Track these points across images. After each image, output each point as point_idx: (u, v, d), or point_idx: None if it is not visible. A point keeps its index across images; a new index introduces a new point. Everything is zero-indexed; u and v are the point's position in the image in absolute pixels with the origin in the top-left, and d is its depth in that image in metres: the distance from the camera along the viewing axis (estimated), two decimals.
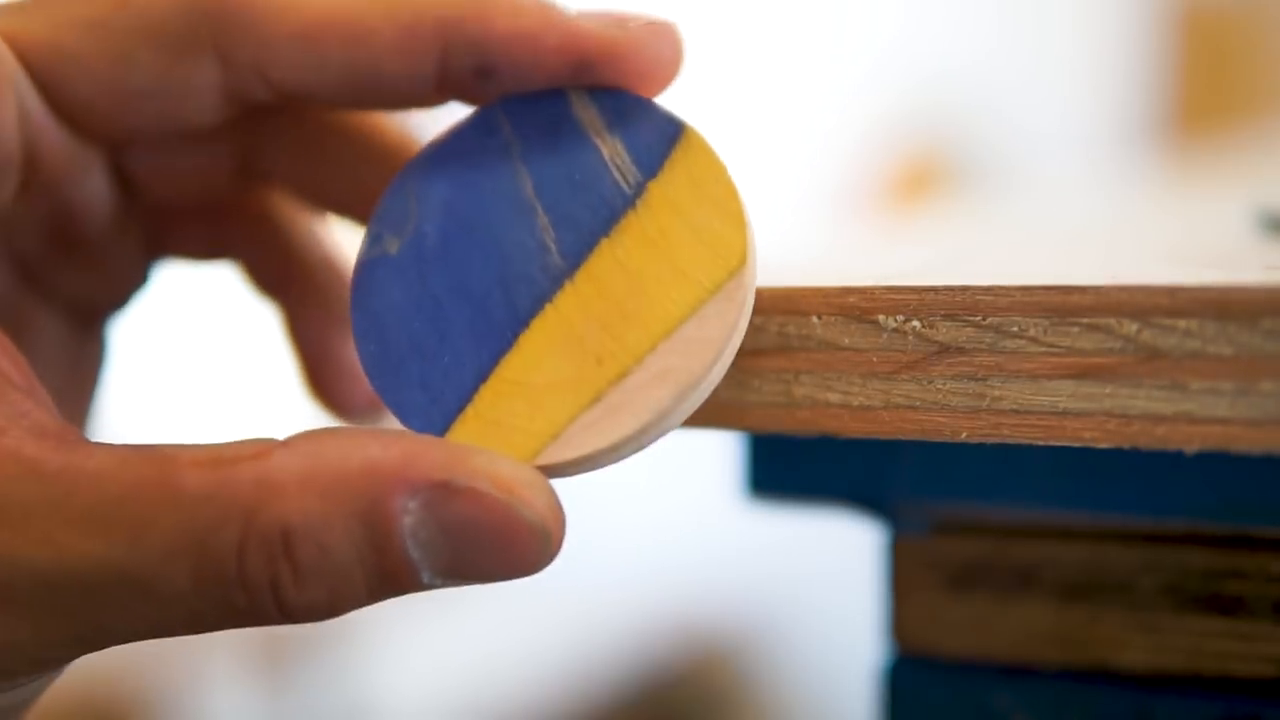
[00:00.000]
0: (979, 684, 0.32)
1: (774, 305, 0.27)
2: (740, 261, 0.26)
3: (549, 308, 0.26)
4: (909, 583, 0.32)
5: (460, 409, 0.25)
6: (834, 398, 0.27)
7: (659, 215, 0.26)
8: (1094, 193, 0.87)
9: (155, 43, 0.26)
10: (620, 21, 0.27)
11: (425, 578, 0.24)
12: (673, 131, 0.27)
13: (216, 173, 0.31)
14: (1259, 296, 0.24)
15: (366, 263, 0.27)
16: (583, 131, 0.27)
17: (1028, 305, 0.25)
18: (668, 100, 0.28)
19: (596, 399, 0.25)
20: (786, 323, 0.27)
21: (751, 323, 0.27)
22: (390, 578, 0.24)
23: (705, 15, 1.92)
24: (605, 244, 0.26)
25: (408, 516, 0.23)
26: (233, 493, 0.23)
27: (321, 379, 0.34)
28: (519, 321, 0.26)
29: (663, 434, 0.25)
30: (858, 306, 0.26)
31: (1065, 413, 0.25)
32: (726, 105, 1.90)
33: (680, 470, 1.74)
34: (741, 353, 0.27)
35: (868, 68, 1.84)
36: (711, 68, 1.91)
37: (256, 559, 0.23)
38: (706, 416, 0.28)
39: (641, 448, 0.25)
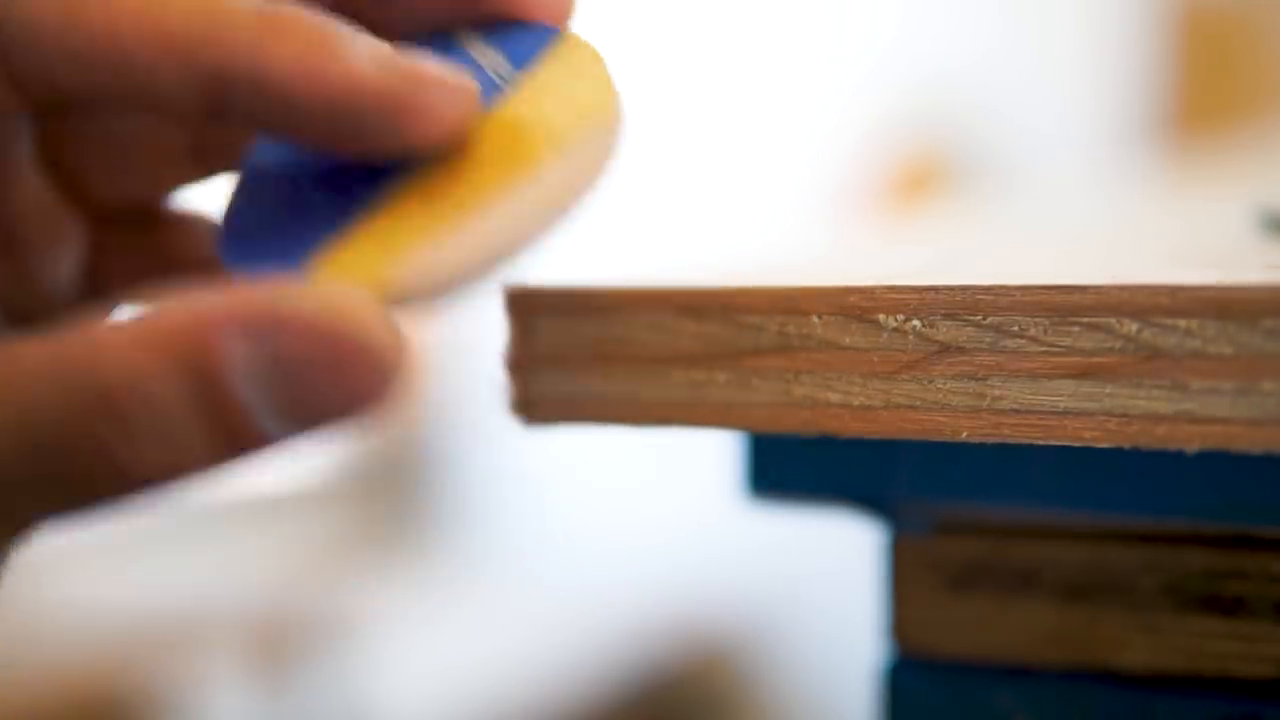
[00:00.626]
0: (979, 684, 0.32)
1: (774, 305, 0.27)
2: (605, 115, 0.26)
3: (413, 176, 0.25)
4: (909, 583, 0.32)
5: (309, 261, 0.24)
6: (834, 397, 0.27)
7: (527, 93, 0.26)
8: (1094, 192, 0.87)
9: None
10: None
11: (265, 423, 0.23)
12: (549, 35, 0.27)
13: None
14: (1259, 296, 0.24)
15: (246, 162, 0.27)
16: (462, 48, 0.27)
17: (1028, 305, 0.25)
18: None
19: (447, 232, 0.24)
20: (787, 322, 0.27)
21: (751, 322, 0.27)
22: (227, 427, 0.22)
23: (707, 15, 1.92)
24: (474, 119, 0.26)
25: (235, 357, 0.22)
26: (64, 363, 0.22)
27: None
28: (378, 189, 0.25)
29: (509, 254, 0.24)
30: (858, 306, 0.26)
31: (1066, 412, 0.25)
32: (727, 105, 1.90)
33: (680, 470, 1.74)
34: (741, 352, 0.27)
35: (868, 68, 1.84)
36: (712, 67, 1.91)
37: (79, 422, 0.22)
38: (707, 416, 0.28)
39: (488, 267, 0.24)
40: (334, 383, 0.22)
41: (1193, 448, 0.24)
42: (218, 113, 0.24)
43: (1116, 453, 0.25)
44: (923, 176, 1.80)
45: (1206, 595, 0.30)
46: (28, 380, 0.22)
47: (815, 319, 0.27)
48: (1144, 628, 0.30)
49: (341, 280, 0.23)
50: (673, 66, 1.94)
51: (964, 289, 0.26)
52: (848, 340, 0.26)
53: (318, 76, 0.23)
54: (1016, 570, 0.31)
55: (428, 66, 0.24)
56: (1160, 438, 0.25)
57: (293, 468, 1.68)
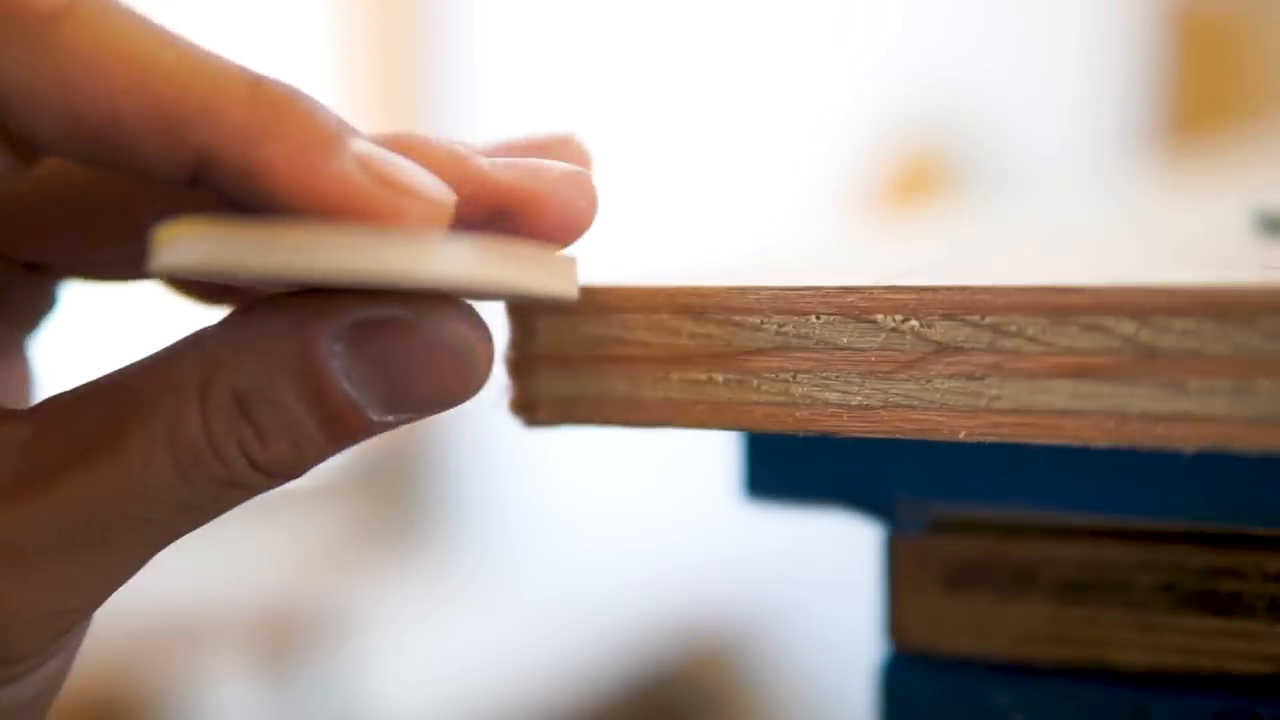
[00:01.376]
0: (977, 683, 0.32)
1: (773, 305, 0.27)
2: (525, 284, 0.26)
3: None
4: (907, 582, 0.33)
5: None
6: (833, 397, 0.27)
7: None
8: (1092, 193, 0.87)
9: None
10: (534, 171, 0.27)
11: (373, 415, 0.25)
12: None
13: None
14: (1256, 296, 0.24)
15: None
16: None
17: (1026, 305, 0.25)
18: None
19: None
20: (785, 322, 0.27)
21: (751, 322, 0.27)
22: (338, 421, 0.25)
23: (709, 15, 1.92)
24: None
25: (335, 359, 0.25)
26: (180, 380, 0.25)
27: None
28: None
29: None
30: (857, 306, 0.26)
31: (1063, 412, 0.25)
32: (728, 105, 1.90)
33: (680, 470, 1.74)
34: (741, 352, 0.27)
35: (867, 69, 1.84)
36: (714, 67, 1.91)
37: (221, 426, 0.25)
38: (706, 416, 0.28)
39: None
40: (431, 379, 0.25)
41: (1190, 447, 0.25)
42: (195, 181, 0.25)
43: (1114, 452, 0.25)
44: (921, 177, 1.80)
45: (1203, 593, 0.30)
46: (156, 401, 0.25)
47: (814, 319, 0.27)
48: (1141, 626, 0.30)
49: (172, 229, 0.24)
50: (674, 66, 1.94)
51: (962, 289, 0.26)
52: (846, 340, 0.26)
53: (306, 178, 0.23)
54: (1014, 569, 0.32)
55: (411, 176, 0.24)
56: (1158, 437, 0.25)
57: None
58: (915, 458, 0.31)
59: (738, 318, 0.27)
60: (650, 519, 1.93)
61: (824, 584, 1.70)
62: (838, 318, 0.26)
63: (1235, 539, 0.30)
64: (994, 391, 0.26)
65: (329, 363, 0.25)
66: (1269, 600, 0.29)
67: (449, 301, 0.25)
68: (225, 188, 0.24)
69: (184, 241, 0.23)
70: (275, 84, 0.24)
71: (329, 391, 0.25)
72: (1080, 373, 0.25)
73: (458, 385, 0.26)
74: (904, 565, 0.33)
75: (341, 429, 0.25)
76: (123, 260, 0.30)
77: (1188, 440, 0.24)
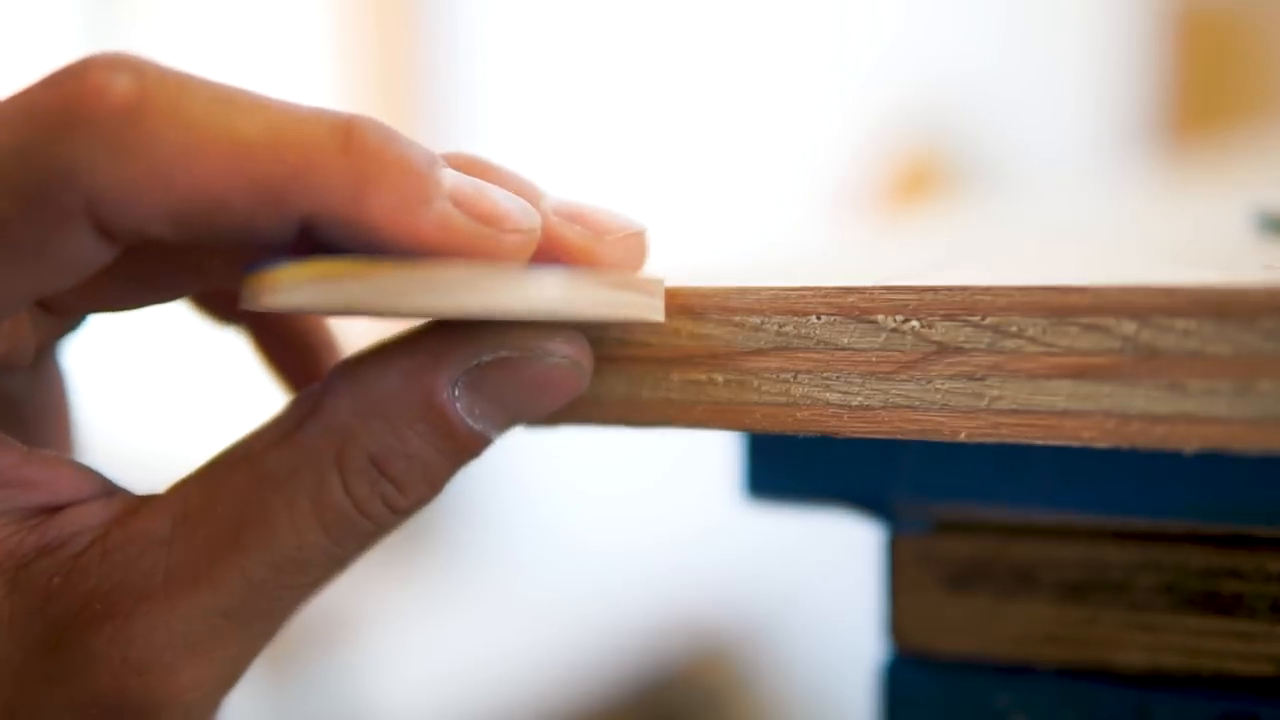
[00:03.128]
0: (978, 683, 0.32)
1: (774, 305, 0.27)
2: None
3: None
4: (908, 582, 0.32)
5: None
6: (833, 397, 0.27)
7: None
8: (1093, 193, 0.87)
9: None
10: (598, 233, 0.27)
11: (493, 435, 0.27)
12: None
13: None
14: (1257, 297, 0.24)
15: None
16: None
17: (1026, 305, 0.25)
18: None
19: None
20: (786, 322, 0.27)
21: (751, 322, 0.27)
22: (465, 450, 0.27)
23: (709, 15, 1.92)
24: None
25: (458, 403, 0.26)
26: (315, 453, 0.26)
27: (296, 376, 0.34)
28: None
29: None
30: (857, 306, 0.26)
31: (1064, 412, 0.25)
32: (729, 105, 1.90)
33: (680, 470, 1.74)
34: (741, 352, 0.27)
35: (868, 69, 1.84)
36: (714, 67, 1.91)
37: (363, 490, 0.26)
38: (706, 416, 0.28)
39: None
40: (543, 398, 0.27)
41: (1191, 448, 0.24)
42: (304, 242, 0.25)
43: (1115, 453, 0.25)
44: (922, 177, 1.80)
45: (1204, 594, 0.30)
46: (293, 476, 0.26)
47: (814, 319, 0.27)
48: (1142, 626, 0.30)
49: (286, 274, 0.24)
50: (674, 66, 1.94)
51: (962, 289, 0.26)
52: (846, 340, 0.26)
53: (409, 227, 0.24)
54: (1015, 569, 0.31)
55: (503, 208, 0.25)
56: (1158, 438, 0.25)
57: None
58: (916, 458, 0.31)
59: (738, 318, 0.27)
60: (650, 519, 1.93)
61: (824, 584, 1.70)
62: (838, 318, 0.26)
63: (1236, 539, 0.30)
64: (994, 392, 0.26)
65: (454, 409, 0.26)
66: (1270, 601, 0.29)
67: (546, 325, 0.27)
68: (329, 240, 0.24)
69: (293, 285, 0.24)
70: (365, 128, 0.24)
71: (457, 433, 0.26)
72: (1081, 373, 0.25)
73: (566, 394, 0.27)
74: (905, 565, 0.32)
75: (468, 454, 0.27)
76: (178, 293, 0.31)
77: (1189, 441, 0.24)
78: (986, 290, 0.25)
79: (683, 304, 0.28)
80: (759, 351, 0.27)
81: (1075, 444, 0.25)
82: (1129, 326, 0.25)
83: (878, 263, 0.34)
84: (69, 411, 0.32)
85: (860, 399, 0.26)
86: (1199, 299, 0.24)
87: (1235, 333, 0.24)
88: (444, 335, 0.26)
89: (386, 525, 0.27)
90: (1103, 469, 0.29)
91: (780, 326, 0.27)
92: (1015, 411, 0.25)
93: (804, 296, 0.27)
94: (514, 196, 0.26)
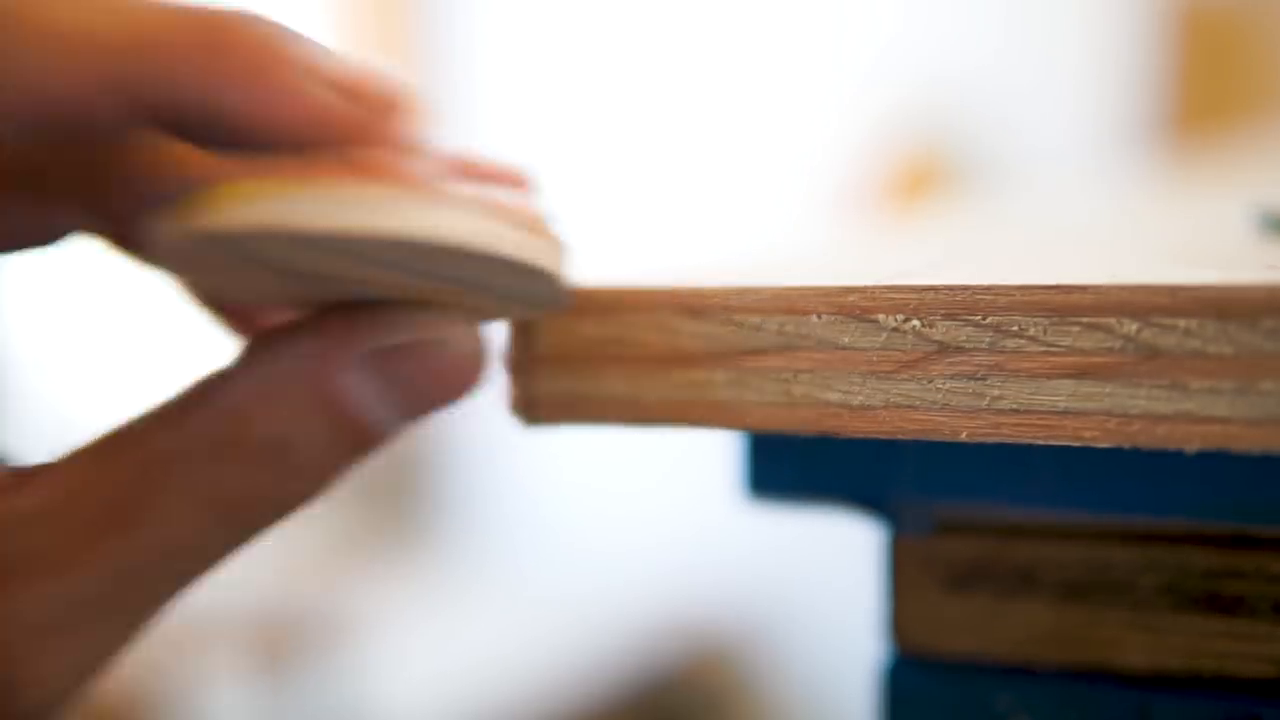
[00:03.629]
0: (979, 684, 0.32)
1: (774, 304, 0.27)
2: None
3: None
4: (909, 582, 0.32)
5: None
6: (834, 397, 0.27)
7: None
8: (1093, 192, 0.87)
9: None
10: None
11: (390, 427, 0.26)
12: None
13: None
14: (1259, 296, 0.24)
15: None
16: None
17: (1027, 304, 0.25)
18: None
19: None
20: (786, 322, 0.27)
21: (751, 322, 0.27)
22: (362, 440, 0.26)
23: (709, 14, 1.92)
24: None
25: (356, 389, 0.25)
26: (209, 434, 0.25)
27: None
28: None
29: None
30: (857, 306, 0.26)
31: (1065, 412, 0.25)
32: (729, 104, 1.90)
33: (680, 470, 1.74)
34: (741, 352, 0.27)
35: (868, 67, 1.84)
36: (713, 66, 1.91)
37: (255, 476, 0.25)
38: (707, 416, 0.28)
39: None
40: (444, 386, 0.26)
41: (1192, 448, 0.24)
42: (167, 133, 0.24)
43: (1116, 453, 0.25)
44: (922, 176, 1.80)
45: (1206, 595, 0.30)
46: (205, 453, 0.25)
47: (815, 318, 0.27)
48: (1143, 627, 0.30)
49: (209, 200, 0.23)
50: (674, 65, 1.94)
51: (963, 289, 0.26)
52: (847, 340, 0.26)
53: (271, 107, 0.23)
54: (1016, 570, 0.31)
55: (378, 84, 0.24)
56: (1160, 437, 0.25)
57: None
58: (917, 458, 0.31)
59: (738, 318, 0.27)
60: (650, 519, 1.93)
61: (824, 584, 1.70)
62: (839, 317, 0.26)
63: (1238, 540, 0.30)
64: (995, 391, 0.25)
65: (350, 395, 0.25)
66: (1272, 602, 0.29)
67: (447, 315, 0.26)
68: (193, 133, 0.24)
69: (226, 207, 0.23)
70: (230, 15, 0.23)
71: (354, 421, 0.26)
72: (1082, 373, 0.25)
73: (468, 384, 0.27)
74: (905, 566, 0.32)
75: (365, 443, 0.26)
76: (28, 231, 0.29)
77: (1190, 440, 0.24)
78: (987, 289, 0.25)
79: (683, 304, 0.28)
80: (759, 351, 0.27)
81: (1076, 444, 0.25)
82: (1130, 326, 0.24)
83: (878, 262, 0.34)
84: None
85: (861, 398, 0.26)
86: (1201, 299, 0.24)
87: (1237, 332, 0.24)
88: (345, 319, 0.26)
89: (278, 513, 0.26)
90: (1104, 469, 0.29)
91: (780, 326, 0.27)
92: (1016, 411, 0.25)
93: (804, 296, 0.27)
94: (391, 79, 0.25)
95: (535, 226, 0.25)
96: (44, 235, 0.29)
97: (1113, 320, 0.25)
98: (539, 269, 0.25)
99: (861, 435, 0.27)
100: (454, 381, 0.26)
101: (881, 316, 0.26)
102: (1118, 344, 0.25)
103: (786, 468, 0.32)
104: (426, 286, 0.26)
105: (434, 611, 1.85)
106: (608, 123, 1.96)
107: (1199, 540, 0.30)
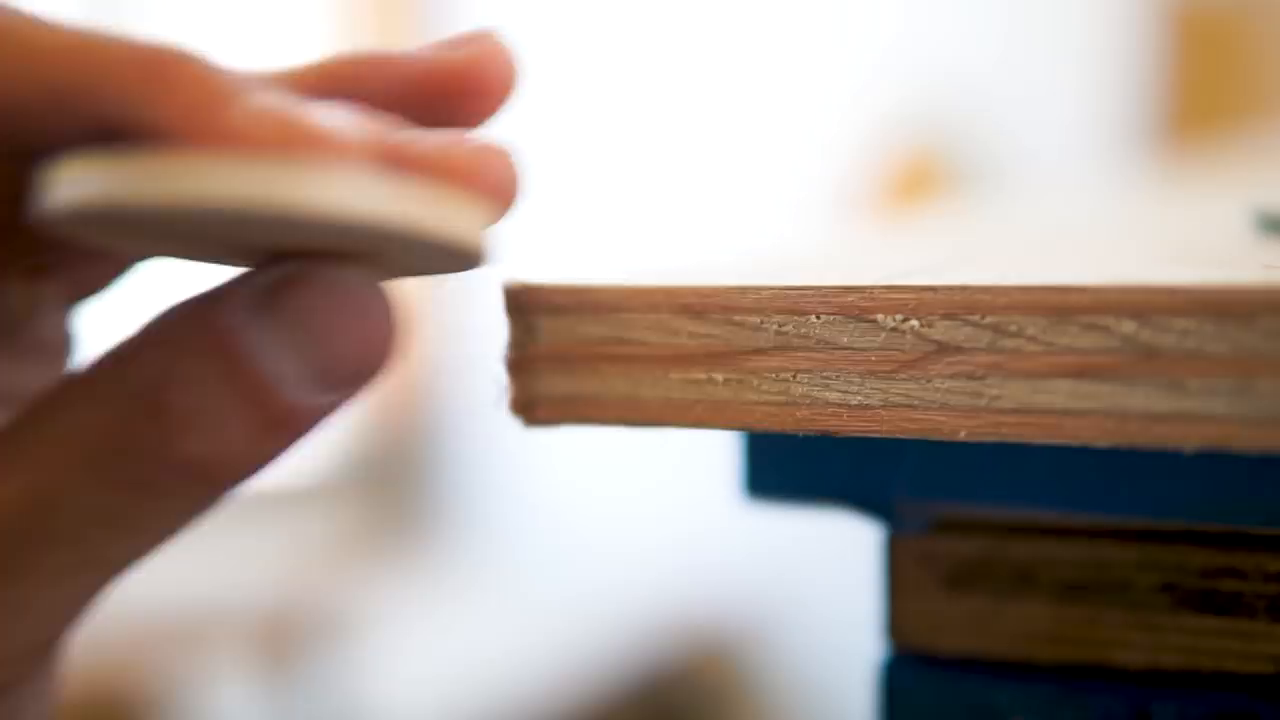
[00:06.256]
0: (977, 683, 0.32)
1: (773, 304, 0.27)
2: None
3: None
4: (907, 581, 0.33)
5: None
6: (833, 396, 0.27)
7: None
8: (1092, 193, 0.87)
9: None
10: (450, 144, 0.25)
11: (296, 391, 0.23)
12: None
13: None
14: (1257, 296, 0.24)
15: None
16: None
17: (1026, 304, 0.25)
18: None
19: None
20: (786, 322, 0.27)
21: (751, 322, 0.27)
22: (258, 398, 0.23)
23: (710, 14, 1.92)
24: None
25: (248, 330, 0.23)
26: (87, 379, 0.24)
27: None
28: None
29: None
30: (857, 305, 0.26)
31: (1064, 412, 0.25)
32: (729, 104, 1.90)
33: (680, 470, 1.74)
34: (741, 352, 0.27)
35: (868, 69, 1.84)
36: (714, 66, 1.91)
37: (131, 418, 0.23)
38: (706, 416, 0.28)
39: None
40: (349, 336, 0.24)
41: (1190, 447, 0.24)
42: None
43: (1114, 452, 0.25)
44: (921, 176, 1.80)
45: (1203, 593, 0.30)
46: (76, 404, 0.23)
47: (814, 318, 0.27)
48: (1141, 626, 0.30)
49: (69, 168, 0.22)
50: (674, 65, 1.94)
51: (962, 289, 0.26)
52: (846, 340, 0.26)
53: (203, 128, 0.22)
54: (1014, 569, 0.31)
55: (317, 120, 0.22)
56: (1158, 437, 0.25)
57: (294, 465, 1.68)
58: (915, 458, 0.31)
59: (738, 317, 0.27)
60: (650, 519, 1.93)
61: (824, 584, 1.70)
62: (838, 317, 0.26)
63: (1235, 539, 0.30)
64: (994, 391, 0.26)
65: (240, 334, 0.23)
66: (1269, 600, 0.29)
67: (351, 262, 0.24)
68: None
69: (66, 180, 0.22)
70: (173, 47, 0.23)
71: (242, 365, 0.23)
72: (1080, 372, 0.25)
73: (377, 337, 0.24)
74: (904, 565, 0.33)
75: (266, 410, 0.23)
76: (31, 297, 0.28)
77: (1188, 440, 0.24)
78: (986, 289, 0.25)
79: (683, 303, 0.28)
80: (759, 351, 0.27)
81: (1075, 443, 0.25)
82: (1129, 326, 0.25)
83: (878, 262, 0.34)
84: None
85: (860, 398, 0.26)
86: (1199, 298, 0.24)
87: (1235, 332, 0.24)
88: (241, 275, 0.24)
89: (158, 477, 0.23)
90: (1102, 468, 0.29)
91: (780, 326, 0.27)
92: (1015, 410, 0.25)
93: (804, 296, 0.27)
94: (343, 113, 0.23)
95: (441, 193, 0.23)
96: (114, 274, 0.29)
97: (1111, 320, 0.25)
98: (432, 237, 0.23)
99: (860, 435, 0.27)
100: (367, 333, 0.24)
101: (881, 316, 0.26)
102: (1116, 344, 0.25)
103: (785, 468, 0.33)
104: (325, 249, 0.24)
105: (434, 610, 1.85)
106: (608, 123, 1.96)
107: (1197, 539, 0.30)
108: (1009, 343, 0.25)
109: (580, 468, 1.98)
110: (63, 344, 0.29)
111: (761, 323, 0.27)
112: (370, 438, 2.05)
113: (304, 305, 0.23)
